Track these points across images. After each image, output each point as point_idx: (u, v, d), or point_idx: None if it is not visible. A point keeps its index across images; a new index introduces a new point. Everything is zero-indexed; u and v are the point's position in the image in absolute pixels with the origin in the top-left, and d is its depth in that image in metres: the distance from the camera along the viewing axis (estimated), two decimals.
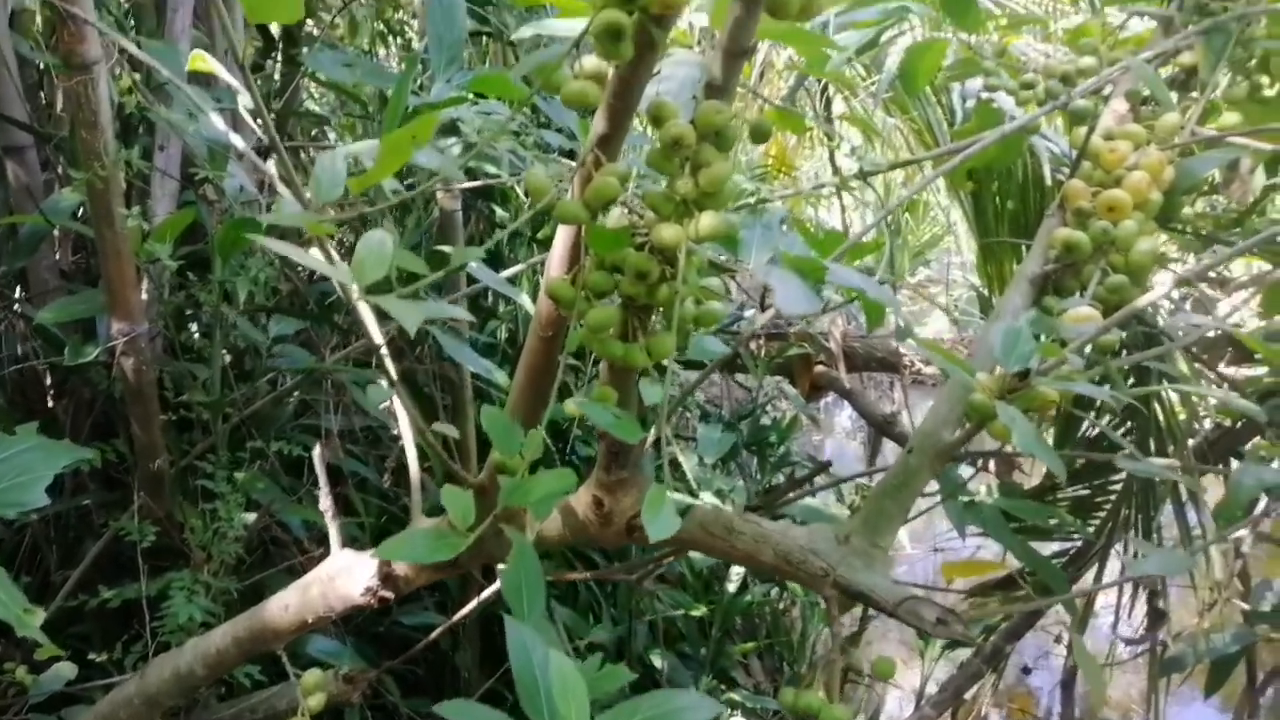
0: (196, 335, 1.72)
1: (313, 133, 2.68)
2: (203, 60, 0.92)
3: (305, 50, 2.16)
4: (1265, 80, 1.62)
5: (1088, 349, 1.21)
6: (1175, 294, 2.81)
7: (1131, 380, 2.17)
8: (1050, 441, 2.68)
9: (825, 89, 2.69)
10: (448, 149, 1.57)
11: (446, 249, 1.54)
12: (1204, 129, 1.45)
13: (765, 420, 2.82)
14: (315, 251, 0.96)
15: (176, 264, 1.36)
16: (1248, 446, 2.25)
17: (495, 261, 2.36)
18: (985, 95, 1.76)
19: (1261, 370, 2.37)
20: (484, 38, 2.22)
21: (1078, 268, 1.36)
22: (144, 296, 1.47)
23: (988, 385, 1.13)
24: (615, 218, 1.02)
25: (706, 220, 0.92)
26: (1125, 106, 1.48)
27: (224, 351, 1.62)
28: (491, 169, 1.48)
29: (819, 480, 2.41)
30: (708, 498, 1.85)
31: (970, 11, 1.64)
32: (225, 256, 1.38)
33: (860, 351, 2.99)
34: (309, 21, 2.21)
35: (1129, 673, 3.05)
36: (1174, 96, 1.60)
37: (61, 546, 1.78)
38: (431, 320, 1.67)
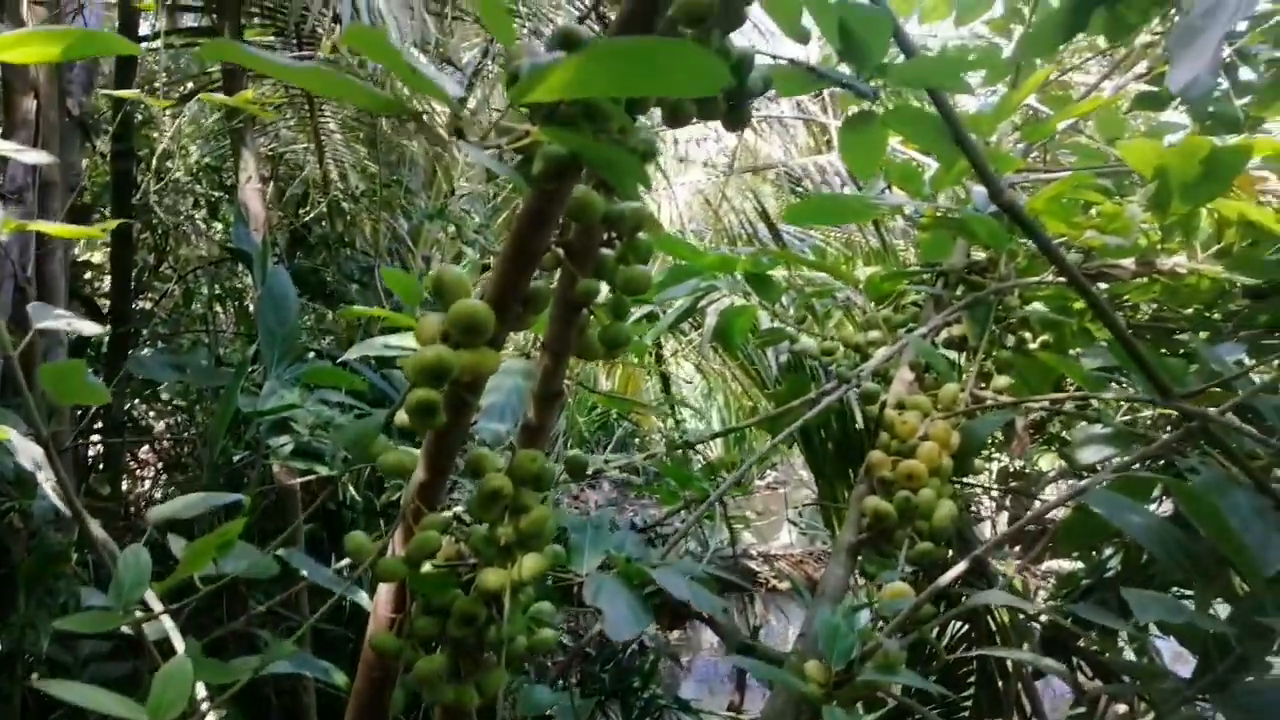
0: None
1: (145, 393, 2.61)
2: (3, 433, 0.91)
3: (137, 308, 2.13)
4: (1029, 335, 1.87)
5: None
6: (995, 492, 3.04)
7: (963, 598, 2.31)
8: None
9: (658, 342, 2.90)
10: (279, 448, 1.56)
11: (281, 553, 1.49)
12: (982, 392, 1.65)
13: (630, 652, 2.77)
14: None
15: None
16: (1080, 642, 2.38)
17: (338, 529, 2.30)
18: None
19: (1079, 564, 2.57)
20: (323, 315, 2.27)
21: (889, 532, 1.47)
22: None
23: (816, 677, 1.18)
24: (443, 552, 1.03)
25: (529, 563, 0.95)
26: (911, 375, 1.66)
27: (31, 675, 1.48)
28: (323, 469, 1.48)
29: None
30: None
31: (770, 288, 1.83)
32: (30, 589, 1.29)
33: (716, 574, 3.03)
34: (140, 299, 2.20)
35: None
36: (958, 356, 1.82)
37: None
38: (262, 624, 1.60)
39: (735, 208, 3.72)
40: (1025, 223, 1.21)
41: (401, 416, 1.00)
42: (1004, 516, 3.06)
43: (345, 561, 1.39)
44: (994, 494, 3.00)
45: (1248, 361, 2.42)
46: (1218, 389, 1.47)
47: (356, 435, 0.90)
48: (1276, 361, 1.81)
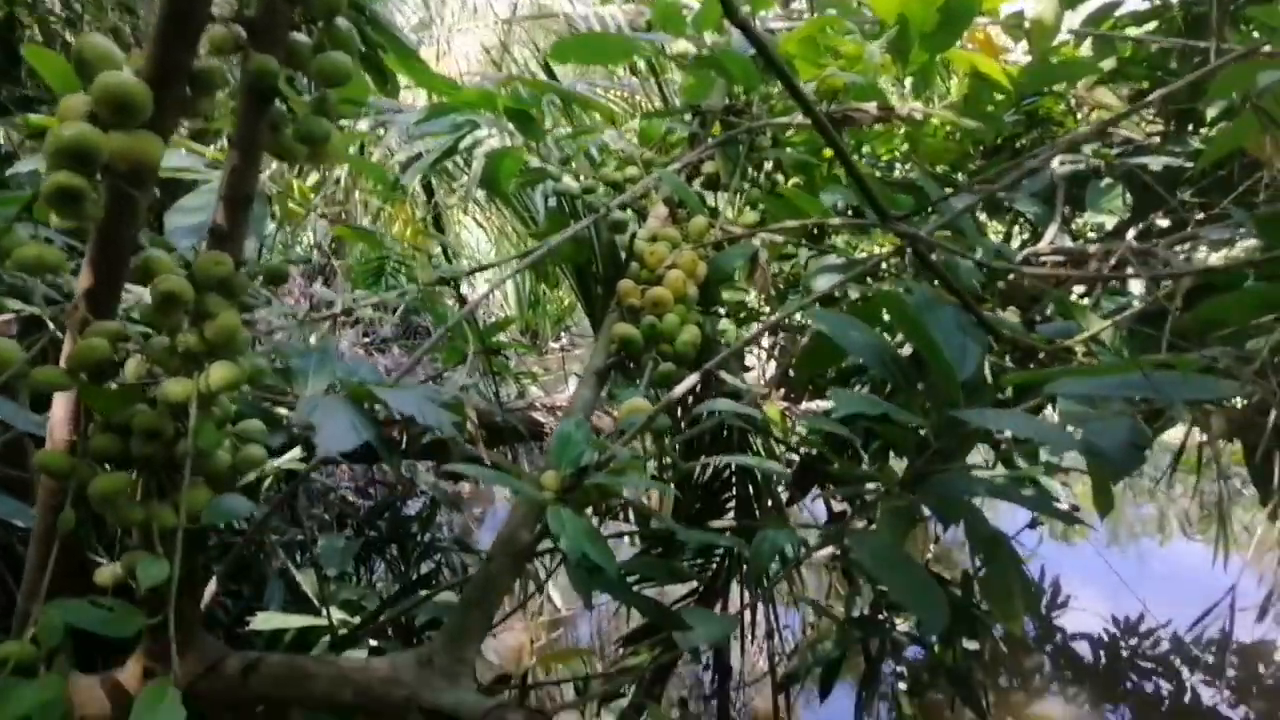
0: None
1: None
2: None
3: None
4: (780, 178, 1.93)
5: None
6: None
7: (725, 434, 2.46)
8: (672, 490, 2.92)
9: (429, 184, 2.76)
10: None
11: None
12: (730, 226, 1.69)
13: (415, 503, 2.78)
14: None
15: None
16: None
17: None
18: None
19: (829, 404, 2.79)
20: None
21: (636, 357, 1.51)
22: None
23: (550, 485, 1.21)
24: (132, 368, 0.95)
25: (218, 372, 0.88)
26: (665, 211, 1.67)
27: None
28: None
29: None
30: (337, 613, 1.77)
31: (533, 126, 1.77)
32: None
33: (502, 424, 3.05)
34: None
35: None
36: (714, 197, 1.85)
37: None
38: None
39: (519, 61, 3.55)
40: (759, 43, 1.21)
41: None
42: (773, 365, 3.26)
43: None
44: (764, 344, 3.18)
45: (980, 213, 2.61)
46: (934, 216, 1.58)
47: None
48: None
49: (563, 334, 4.83)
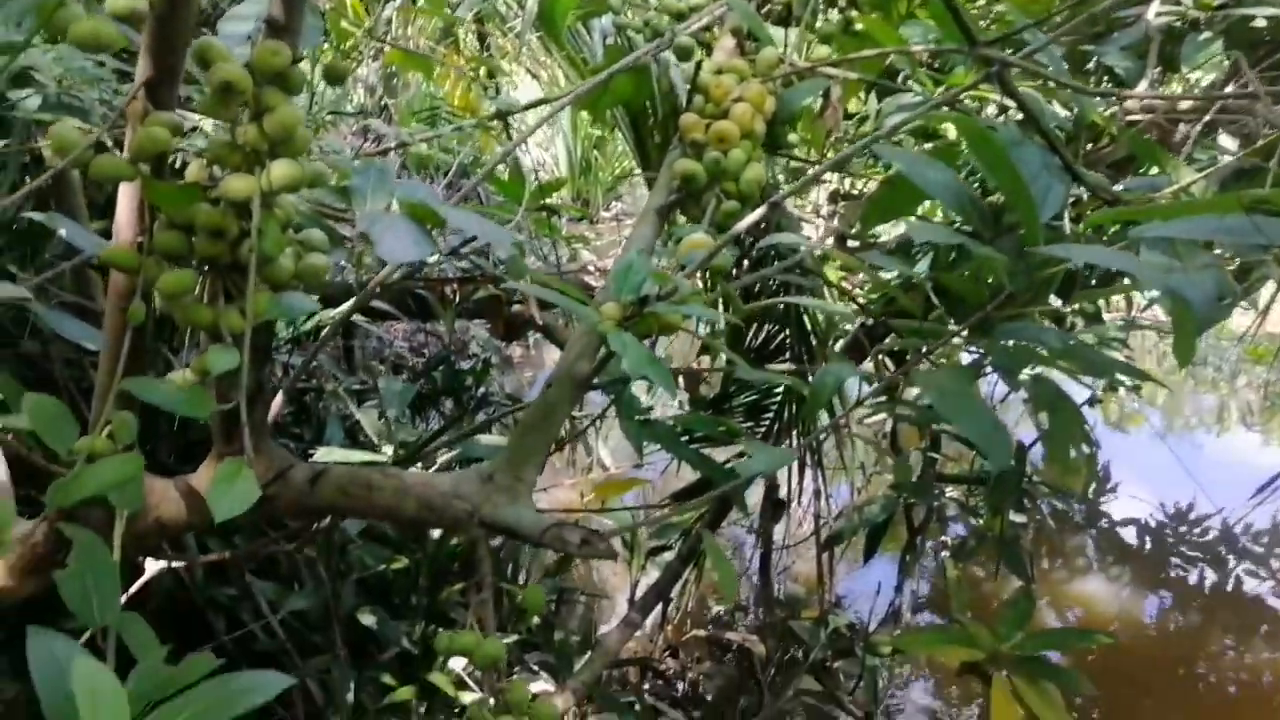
0: None
1: None
2: None
3: None
4: (855, 14, 1.81)
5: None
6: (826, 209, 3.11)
7: (779, 291, 2.41)
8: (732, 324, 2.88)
9: (481, 22, 2.66)
10: (21, 101, 1.36)
11: (38, 216, 1.34)
12: (800, 61, 1.59)
13: (466, 364, 2.81)
14: None
15: None
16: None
17: None
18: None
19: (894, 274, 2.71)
20: None
21: (698, 196, 1.46)
22: None
23: (611, 314, 1.19)
24: (194, 171, 0.93)
25: (279, 169, 0.86)
26: (732, 42, 1.58)
27: None
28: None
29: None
30: (390, 451, 1.82)
31: None
32: None
33: (555, 287, 3.04)
34: None
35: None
36: (784, 35, 1.75)
37: None
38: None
39: None
40: None
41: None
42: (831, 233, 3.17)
43: None
44: (824, 213, 3.09)
45: (1065, 67, 2.45)
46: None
47: (39, 3, 0.75)
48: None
49: (614, 203, 4.75)
